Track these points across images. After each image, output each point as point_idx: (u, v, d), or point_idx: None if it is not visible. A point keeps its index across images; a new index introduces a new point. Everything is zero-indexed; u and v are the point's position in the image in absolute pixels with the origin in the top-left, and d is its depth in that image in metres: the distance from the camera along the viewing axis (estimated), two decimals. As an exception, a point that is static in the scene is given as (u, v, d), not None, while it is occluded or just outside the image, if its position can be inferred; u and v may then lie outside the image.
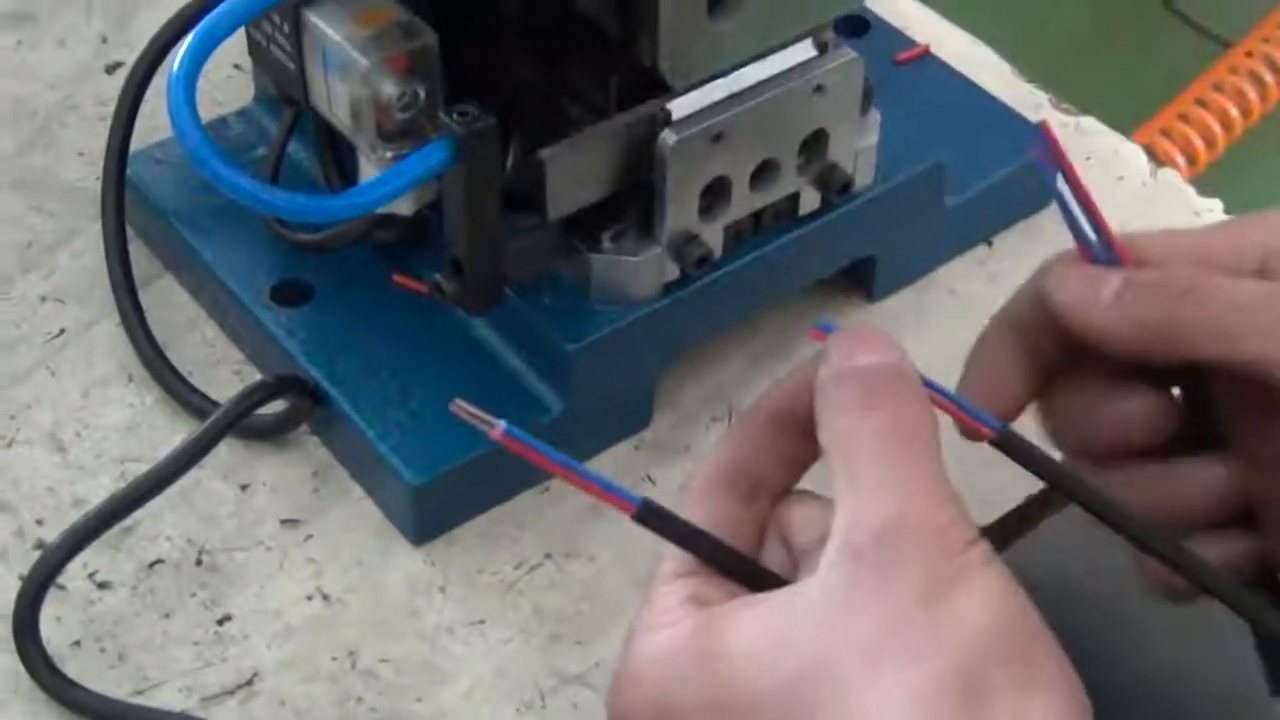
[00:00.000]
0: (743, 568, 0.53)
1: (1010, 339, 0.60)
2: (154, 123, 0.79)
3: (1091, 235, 0.58)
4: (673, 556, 0.53)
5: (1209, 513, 0.58)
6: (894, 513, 0.49)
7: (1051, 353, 0.59)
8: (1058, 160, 0.57)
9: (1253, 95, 2.06)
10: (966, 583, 0.48)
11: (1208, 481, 0.58)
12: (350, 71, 0.66)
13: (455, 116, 0.63)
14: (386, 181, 0.64)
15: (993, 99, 0.82)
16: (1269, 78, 2.08)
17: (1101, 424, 0.58)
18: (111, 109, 0.82)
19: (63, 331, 0.77)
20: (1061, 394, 0.59)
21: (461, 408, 0.51)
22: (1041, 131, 0.57)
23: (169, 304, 0.78)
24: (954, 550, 0.49)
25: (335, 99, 0.68)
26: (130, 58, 0.86)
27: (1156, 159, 0.85)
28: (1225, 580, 0.57)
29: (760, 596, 0.51)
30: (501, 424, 0.51)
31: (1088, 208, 0.57)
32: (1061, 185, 0.57)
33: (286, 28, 0.68)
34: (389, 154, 0.67)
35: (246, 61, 0.80)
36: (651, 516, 0.52)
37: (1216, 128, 2.03)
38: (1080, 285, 0.57)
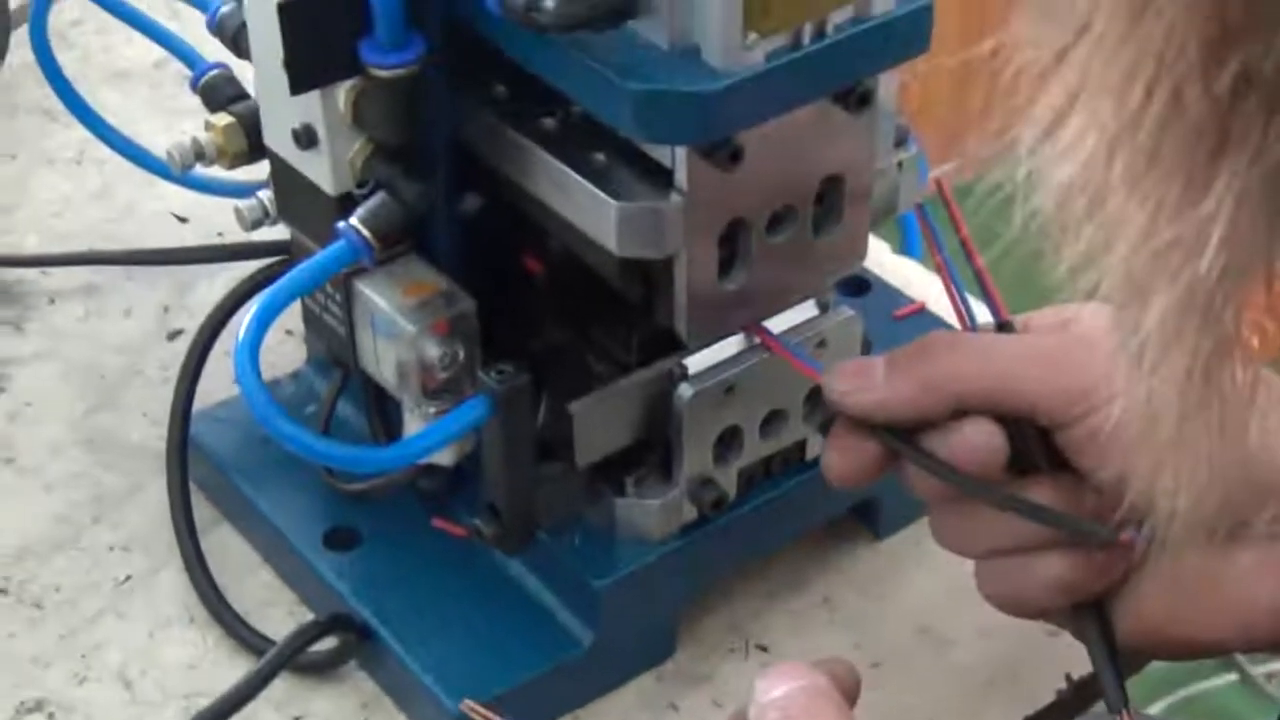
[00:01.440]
0: None
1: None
2: (211, 385, 0.85)
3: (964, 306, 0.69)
4: None
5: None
6: None
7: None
8: (955, 221, 0.67)
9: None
10: None
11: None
12: (398, 337, 0.73)
13: (494, 375, 0.70)
14: (431, 435, 0.71)
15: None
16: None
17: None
18: (173, 373, 0.89)
19: (129, 577, 0.83)
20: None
21: (471, 709, 0.57)
22: (936, 185, 0.67)
23: (228, 550, 0.84)
24: None
25: (383, 361, 0.75)
26: (190, 325, 0.94)
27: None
28: (1054, 512, 0.66)
29: None
30: None
31: (976, 269, 0.68)
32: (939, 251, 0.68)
33: (339, 297, 0.75)
34: (432, 410, 0.73)
35: (297, 327, 0.88)
36: None
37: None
38: (852, 375, 0.68)
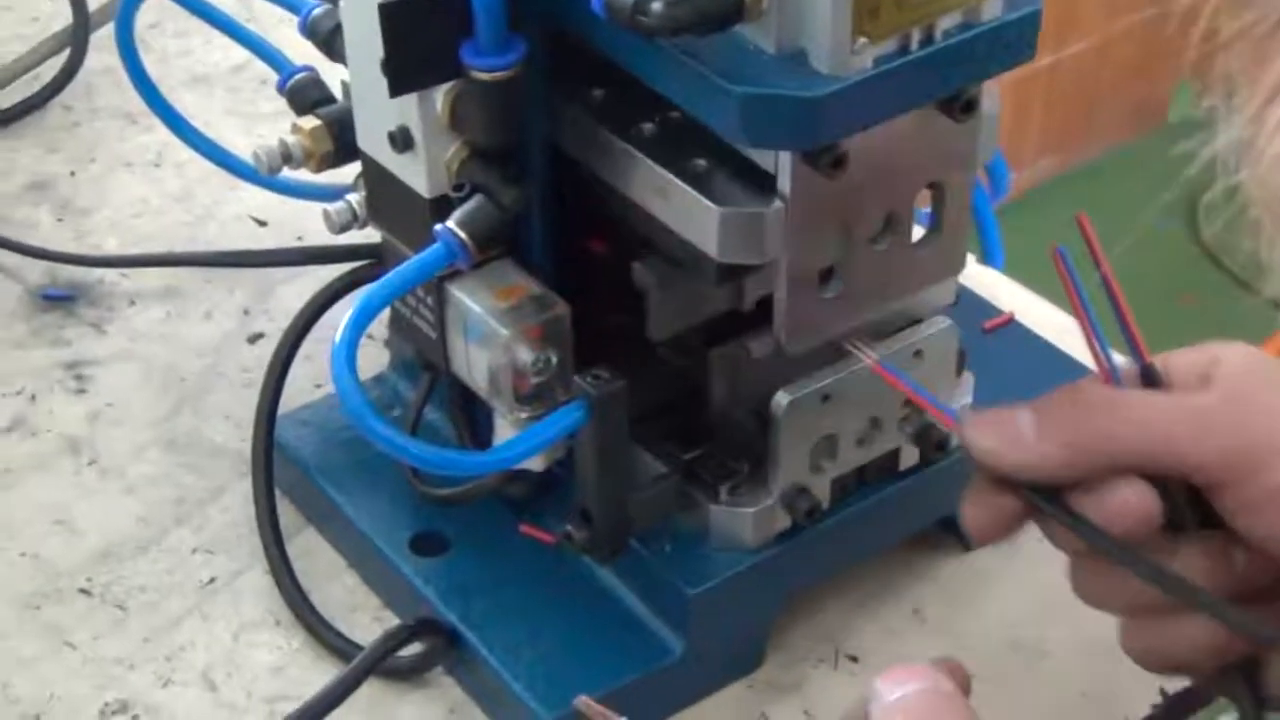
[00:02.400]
0: None
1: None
2: (289, 389, 0.85)
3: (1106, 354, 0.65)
4: None
5: None
6: None
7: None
8: (1096, 259, 0.63)
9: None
10: None
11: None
12: (491, 341, 0.72)
13: (590, 379, 0.69)
14: (527, 440, 0.70)
15: (1075, 361, 0.87)
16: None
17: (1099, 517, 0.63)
18: (253, 376, 0.90)
19: (213, 580, 0.83)
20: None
21: (587, 705, 0.56)
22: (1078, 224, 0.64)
23: (312, 554, 0.84)
24: None
25: (474, 365, 0.74)
26: (270, 329, 0.94)
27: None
28: (1206, 595, 0.63)
29: None
30: None
31: (1119, 310, 0.64)
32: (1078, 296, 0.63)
33: (431, 301, 0.75)
34: (523, 415, 0.73)
35: (376, 332, 0.88)
36: None
37: None
38: (998, 431, 0.64)
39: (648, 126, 0.70)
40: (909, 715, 0.58)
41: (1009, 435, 0.64)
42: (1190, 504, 0.64)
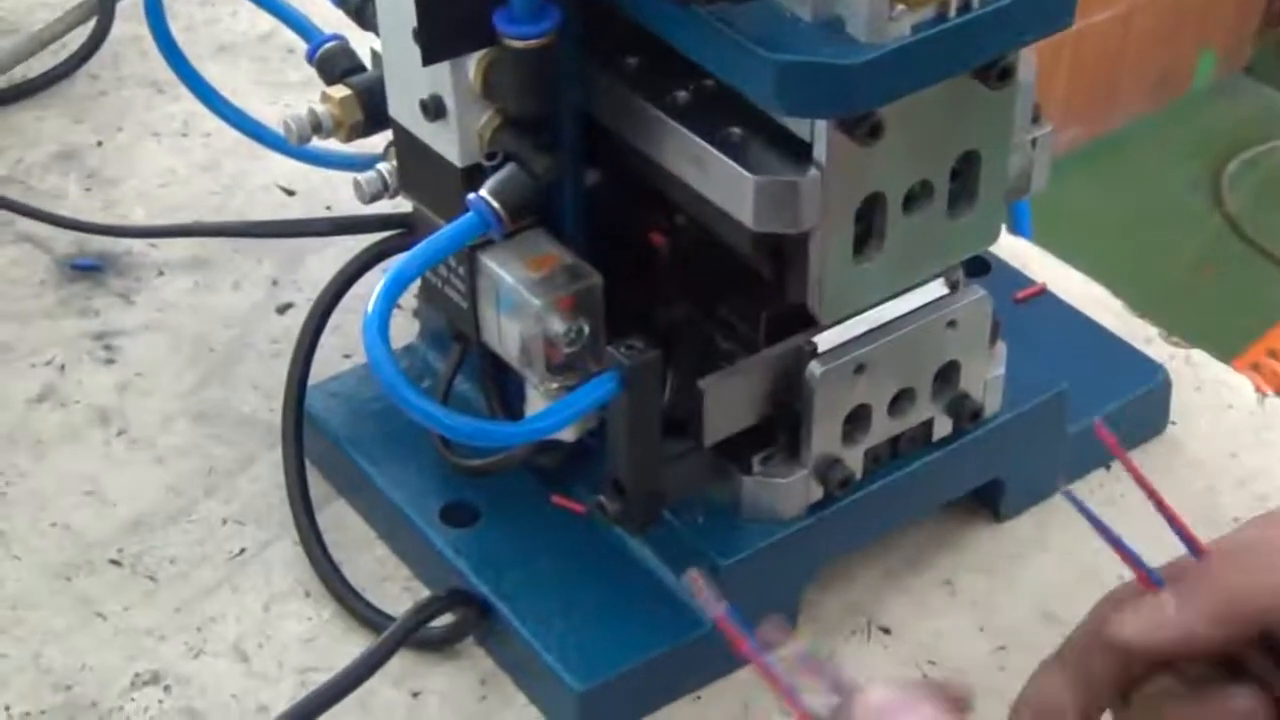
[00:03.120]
0: None
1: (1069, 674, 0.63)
2: (317, 359, 0.84)
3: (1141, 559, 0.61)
4: None
5: None
6: None
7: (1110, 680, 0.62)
8: (1141, 483, 0.61)
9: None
10: None
11: None
12: (523, 311, 0.72)
13: (623, 350, 0.69)
14: (560, 410, 0.70)
15: (1107, 333, 0.87)
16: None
17: None
18: (282, 346, 0.89)
19: (243, 550, 0.82)
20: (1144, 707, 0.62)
21: (695, 578, 0.56)
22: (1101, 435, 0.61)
23: (342, 525, 0.83)
24: None
25: (506, 336, 0.74)
26: (298, 299, 0.94)
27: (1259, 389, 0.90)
28: None
29: None
30: (724, 605, 0.55)
31: (1165, 511, 0.61)
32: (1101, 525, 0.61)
33: (462, 270, 0.75)
34: (555, 385, 0.73)
35: (405, 302, 0.88)
36: None
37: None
38: (1139, 616, 0.60)
39: (682, 95, 0.70)
40: None
41: (1153, 615, 0.60)
42: None
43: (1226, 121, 2.64)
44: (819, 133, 0.66)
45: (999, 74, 0.67)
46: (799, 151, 0.66)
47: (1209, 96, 2.68)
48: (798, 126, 0.67)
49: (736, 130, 0.68)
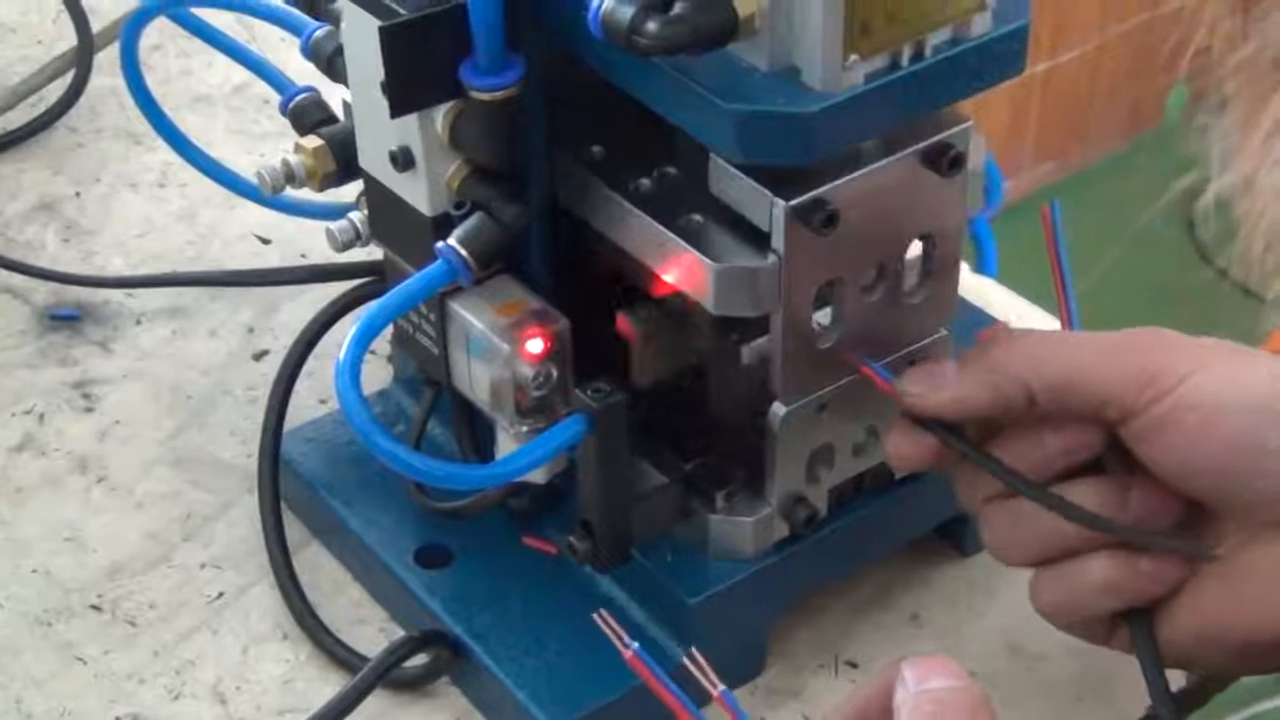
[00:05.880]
0: None
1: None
2: (292, 405, 0.86)
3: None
4: None
5: None
6: None
7: None
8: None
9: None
10: None
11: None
12: (492, 356, 0.74)
13: (590, 392, 0.71)
14: (529, 453, 0.71)
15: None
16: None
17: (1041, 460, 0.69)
18: (259, 393, 0.91)
19: (221, 594, 0.84)
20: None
21: (604, 619, 0.58)
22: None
23: (318, 568, 0.85)
24: None
25: (476, 380, 0.75)
26: (275, 346, 0.96)
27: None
28: (1107, 520, 0.67)
29: None
30: (634, 646, 0.59)
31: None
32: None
33: (433, 316, 0.76)
34: (525, 428, 0.74)
35: (378, 347, 0.89)
36: None
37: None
38: (923, 378, 0.70)
39: (645, 182, 0.72)
40: (939, 708, 0.58)
41: (934, 379, 0.69)
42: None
43: (1198, 154, 2.66)
44: (776, 222, 0.68)
45: (949, 162, 0.69)
46: (758, 239, 0.69)
47: (1181, 130, 2.70)
48: (756, 215, 0.68)
49: (697, 218, 0.70)
